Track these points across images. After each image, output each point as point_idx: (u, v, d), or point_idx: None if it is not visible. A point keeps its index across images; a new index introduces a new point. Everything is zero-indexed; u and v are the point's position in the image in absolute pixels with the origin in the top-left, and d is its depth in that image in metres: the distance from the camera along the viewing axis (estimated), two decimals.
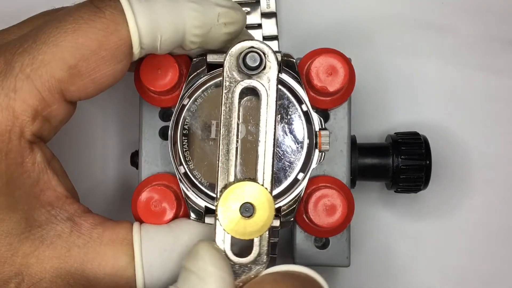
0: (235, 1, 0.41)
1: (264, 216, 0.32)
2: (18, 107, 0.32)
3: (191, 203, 0.36)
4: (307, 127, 0.36)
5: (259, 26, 0.42)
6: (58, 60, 0.32)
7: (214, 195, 0.35)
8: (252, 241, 0.33)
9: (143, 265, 0.34)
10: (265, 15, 0.42)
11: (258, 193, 0.33)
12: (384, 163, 0.39)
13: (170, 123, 0.36)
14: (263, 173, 0.33)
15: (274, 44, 0.42)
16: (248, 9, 0.42)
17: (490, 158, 0.45)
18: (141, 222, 0.36)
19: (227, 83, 0.34)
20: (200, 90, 0.36)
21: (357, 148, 0.40)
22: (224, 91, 0.34)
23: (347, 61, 0.36)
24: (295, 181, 0.36)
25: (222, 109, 0.33)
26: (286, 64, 0.36)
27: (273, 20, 0.42)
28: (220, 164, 0.33)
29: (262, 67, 0.33)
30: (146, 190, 0.36)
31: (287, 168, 0.36)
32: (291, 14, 0.45)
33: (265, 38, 0.42)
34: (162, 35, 0.33)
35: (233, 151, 0.33)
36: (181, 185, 0.36)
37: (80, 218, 0.34)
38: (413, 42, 0.46)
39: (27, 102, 0.32)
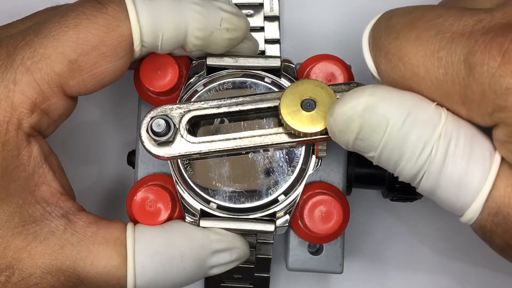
0: (239, 4, 0.42)
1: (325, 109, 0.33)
2: (16, 98, 0.32)
3: (186, 206, 0.36)
4: (305, 152, 0.35)
5: (261, 29, 0.42)
6: (58, 54, 0.32)
7: (210, 198, 0.35)
8: None
9: (135, 266, 0.33)
10: (268, 18, 0.42)
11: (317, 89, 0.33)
12: (381, 172, 0.39)
13: None
14: None
15: (275, 48, 0.42)
16: (251, 11, 0.42)
17: None
18: (135, 222, 0.35)
19: None
20: (200, 92, 0.36)
21: (354, 156, 0.40)
22: None
23: (346, 68, 0.36)
24: (274, 201, 0.35)
25: None
26: (285, 69, 0.36)
27: (275, 24, 0.42)
28: None
29: None
30: (142, 190, 0.36)
31: (271, 186, 0.35)
32: (294, 18, 0.45)
33: (267, 41, 0.42)
34: (164, 34, 0.33)
35: None
36: (177, 186, 0.36)
37: (75, 216, 0.34)
38: None
39: (26, 94, 0.32)
